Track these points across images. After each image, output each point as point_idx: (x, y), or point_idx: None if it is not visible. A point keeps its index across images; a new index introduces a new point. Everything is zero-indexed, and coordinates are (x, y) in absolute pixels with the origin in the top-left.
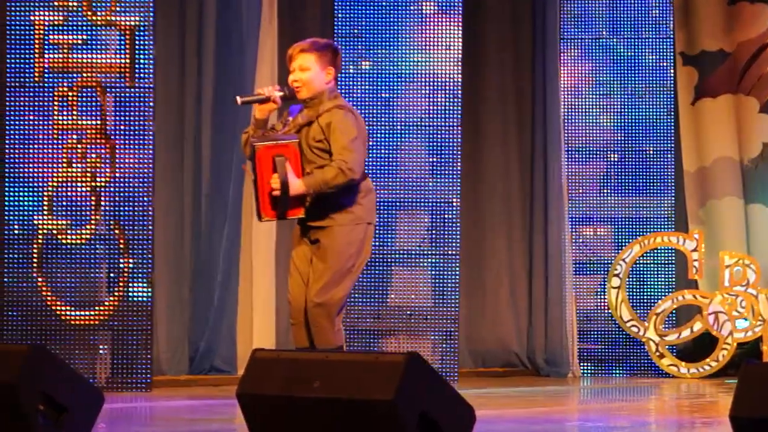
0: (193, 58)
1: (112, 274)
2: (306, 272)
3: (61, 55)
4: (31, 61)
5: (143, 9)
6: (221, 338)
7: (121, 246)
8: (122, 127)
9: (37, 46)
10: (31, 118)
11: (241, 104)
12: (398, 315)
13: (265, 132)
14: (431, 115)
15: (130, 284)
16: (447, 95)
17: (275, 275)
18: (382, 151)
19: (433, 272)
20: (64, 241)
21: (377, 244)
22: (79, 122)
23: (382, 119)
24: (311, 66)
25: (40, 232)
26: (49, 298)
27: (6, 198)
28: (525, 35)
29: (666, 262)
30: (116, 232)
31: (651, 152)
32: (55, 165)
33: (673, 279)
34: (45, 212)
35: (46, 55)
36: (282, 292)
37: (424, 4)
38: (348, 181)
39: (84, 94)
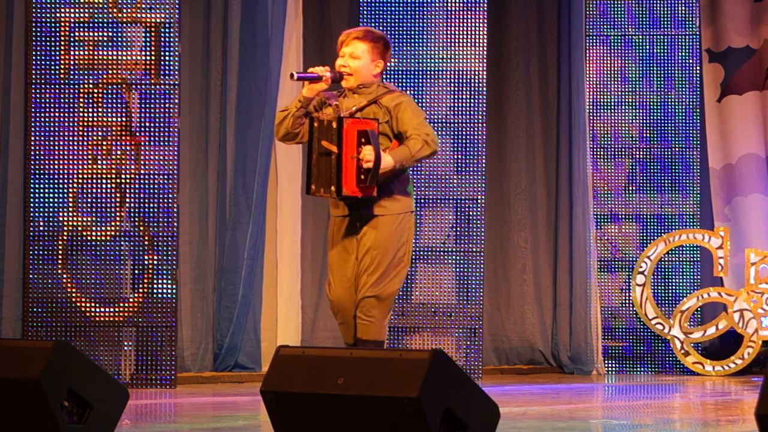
0: (218, 54)
1: (136, 271)
2: (351, 270)
3: (86, 52)
4: (57, 58)
5: (169, 6)
6: (245, 335)
7: (146, 243)
8: (147, 124)
9: (63, 43)
10: (57, 115)
11: (297, 80)
12: (422, 312)
13: (326, 110)
14: (456, 112)
15: (155, 281)
16: (472, 92)
17: (300, 272)
18: None
19: (458, 269)
20: (89, 238)
21: None
22: (105, 119)
23: None
24: (362, 55)
25: (65, 228)
26: (74, 295)
27: (31, 194)
28: (550, 31)
29: (691, 259)
30: (141, 228)
31: (676, 149)
32: (80, 162)
33: (699, 276)
34: (70, 209)
35: (71, 52)
36: (307, 288)
37: (449, 0)
38: (432, 153)
39: (109, 91)
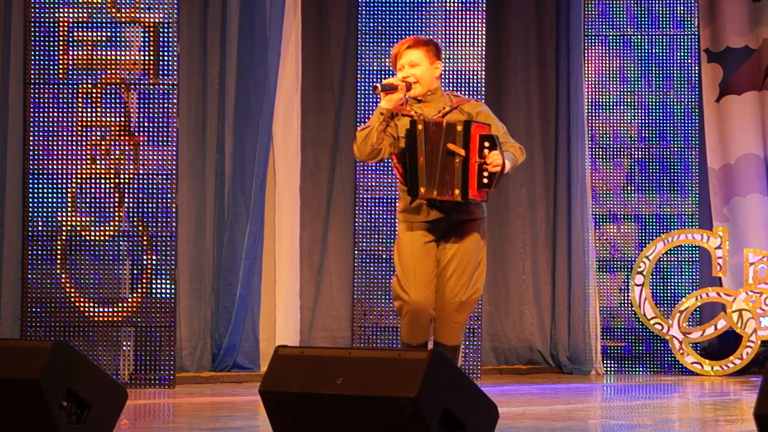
0: (216, 53)
1: (135, 271)
2: (431, 272)
3: (85, 52)
4: (56, 58)
5: (167, 6)
6: (244, 335)
7: (145, 243)
8: (146, 124)
9: (61, 43)
10: (56, 114)
11: (380, 92)
12: None
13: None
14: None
15: (154, 281)
16: (471, 92)
17: (299, 272)
18: None
19: None
20: (87, 238)
21: None
22: (103, 119)
23: None
24: (421, 61)
25: (63, 228)
26: (72, 295)
27: (30, 194)
28: (549, 31)
29: (690, 259)
30: (140, 228)
31: (675, 149)
32: (79, 162)
33: (697, 276)
34: (69, 209)
35: (70, 52)
36: (306, 288)
37: (448, 0)
38: (524, 160)
39: (108, 91)
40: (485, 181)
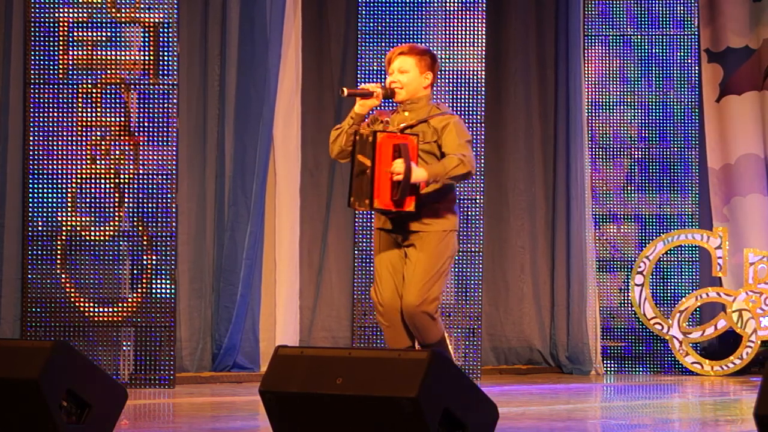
0: (216, 54)
1: (135, 271)
2: (397, 277)
3: (85, 52)
4: (56, 58)
5: (167, 6)
6: (244, 335)
7: (145, 243)
8: (146, 124)
9: (61, 43)
10: (56, 115)
11: (347, 96)
12: None
13: (369, 126)
14: (455, 112)
15: (153, 281)
16: (471, 92)
17: (299, 272)
18: None
19: (457, 269)
20: (87, 238)
21: None
22: (103, 119)
23: None
24: (410, 69)
25: (63, 228)
26: (72, 295)
27: (30, 194)
28: (549, 31)
29: (690, 259)
30: (140, 228)
31: (675, 149)
32: (79, 162)
33: (697, 276)
34: (69, 209)
35: (70, 52)
36: (305, 289)
37: (447, 0)
38: (467, 173)
39: (108, 91)
40: (395, 190)
